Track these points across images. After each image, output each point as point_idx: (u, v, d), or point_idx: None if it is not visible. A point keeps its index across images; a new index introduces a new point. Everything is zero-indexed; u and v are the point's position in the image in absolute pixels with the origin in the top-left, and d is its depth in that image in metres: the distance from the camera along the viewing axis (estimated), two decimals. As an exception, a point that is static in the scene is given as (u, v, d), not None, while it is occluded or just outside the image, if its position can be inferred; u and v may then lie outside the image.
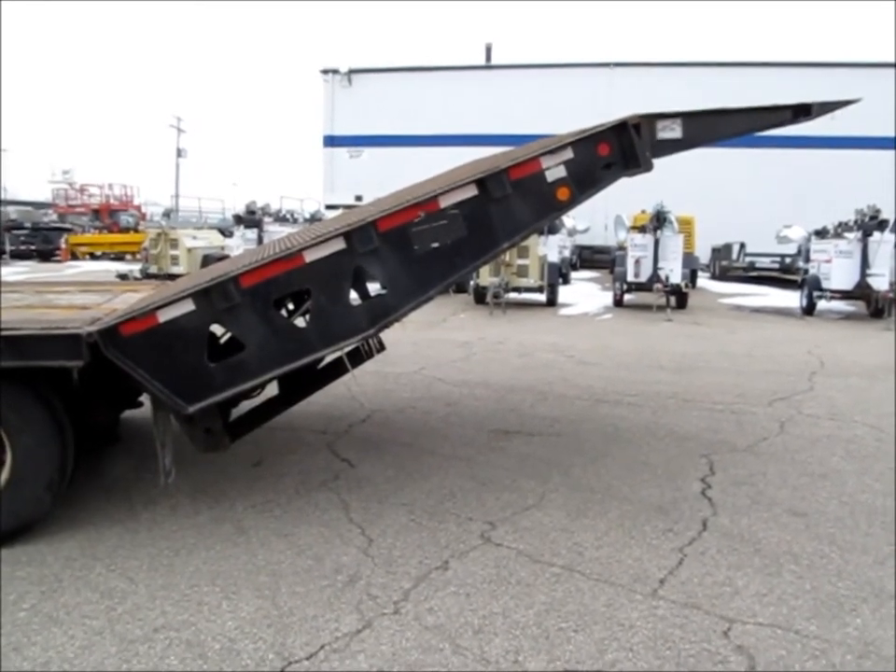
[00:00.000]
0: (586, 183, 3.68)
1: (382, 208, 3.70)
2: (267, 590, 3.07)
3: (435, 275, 3.59)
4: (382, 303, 3.63)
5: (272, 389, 4.16)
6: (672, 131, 3.68)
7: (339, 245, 3.49)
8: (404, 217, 3.53)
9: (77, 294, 5.02)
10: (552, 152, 3.63)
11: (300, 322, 3.86)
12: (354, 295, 3.91)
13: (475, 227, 3.58)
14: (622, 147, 3.65)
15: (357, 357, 4.60)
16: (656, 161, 3.70)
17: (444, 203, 3.55)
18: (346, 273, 3.55)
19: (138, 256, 21.75)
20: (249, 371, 3.48)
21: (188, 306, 3.37)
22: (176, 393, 3.37)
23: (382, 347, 5.04)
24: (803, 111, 3.70)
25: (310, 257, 3.47)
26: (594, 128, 3.72)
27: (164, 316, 3.36)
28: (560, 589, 3.10)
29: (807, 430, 5.61)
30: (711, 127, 3.88)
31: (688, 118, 3.70)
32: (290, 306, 4.72)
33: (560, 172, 3.63)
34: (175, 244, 17.66)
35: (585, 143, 3.66)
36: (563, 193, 3.65)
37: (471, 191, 3.57)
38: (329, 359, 4.17)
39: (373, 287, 4.19)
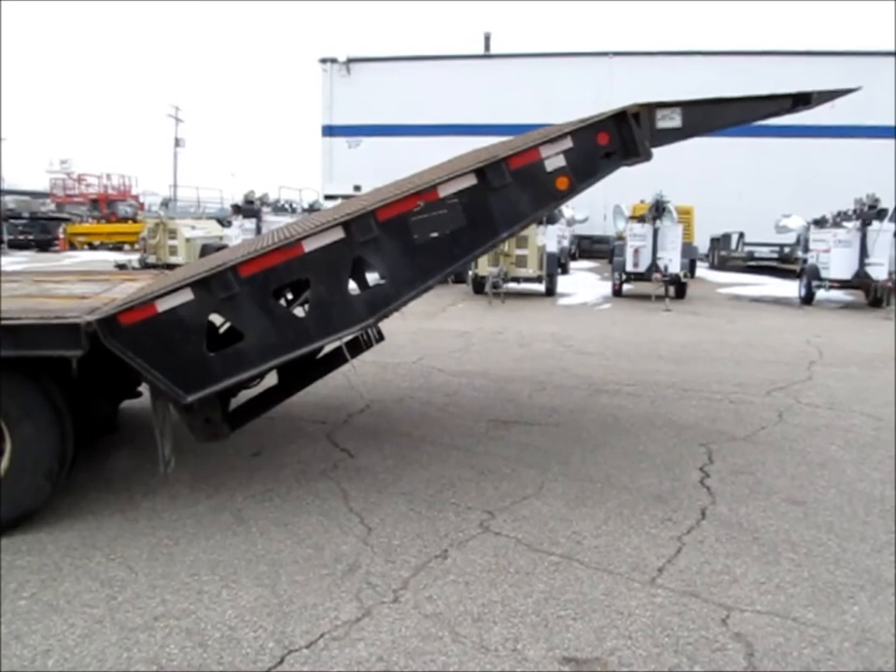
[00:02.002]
0: (585, 172, 3.66)
1: (381, 198, 3.68)
2: (267, 579, 3.08)
3: (434, 265, 3.58)
4: (381, 293, 3.62)
5: (271, 379, 4.15)
6: (671, 120, 3.66)
7: (338, 234, 3.47)
8: (403, 206, 3.51)
9: (76, 284, 5.01)
10: (551, 141, 3.60)
11: (298, 312, 3.85)
12: (352, 285, 3.90)
13: (474, 216, 3.56)
14: (621, 137, 3.63)
15: (356, 347, 4.60)
16: (656, 151, 3.69)
17: (443, 192, 3.53)
18: (345, 263, 3.53)
19: (136, 246, 21.72)
20: (248, 360, 3.47)
21: (186, 296, 3.36)
22: (175, 382, 3.37)
23: (381, 337, 5.03)
24: (802, 100, 3.68)
25: (309, 246, 3.46)
26: (593, 117, 3.70)
27: (163, 306, 3.35)
28: (559, 577, 3.11)
29: (806, 420, 5.62)
30: (710, 116, 3.85)
31: (687, 107, 3.68)
32: (289, 296, 4.71)
33: (559, 161, 3.61)
34: (173, 233, 17.63)
35: (585, 132, 3.63)
36: (562, 183, 3.63)
37: (470, 181, 3.55)
38: (327, 349, 4.17)
39: (371, 277, 4.18)
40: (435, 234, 3.53)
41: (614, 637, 2.67)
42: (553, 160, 3.61)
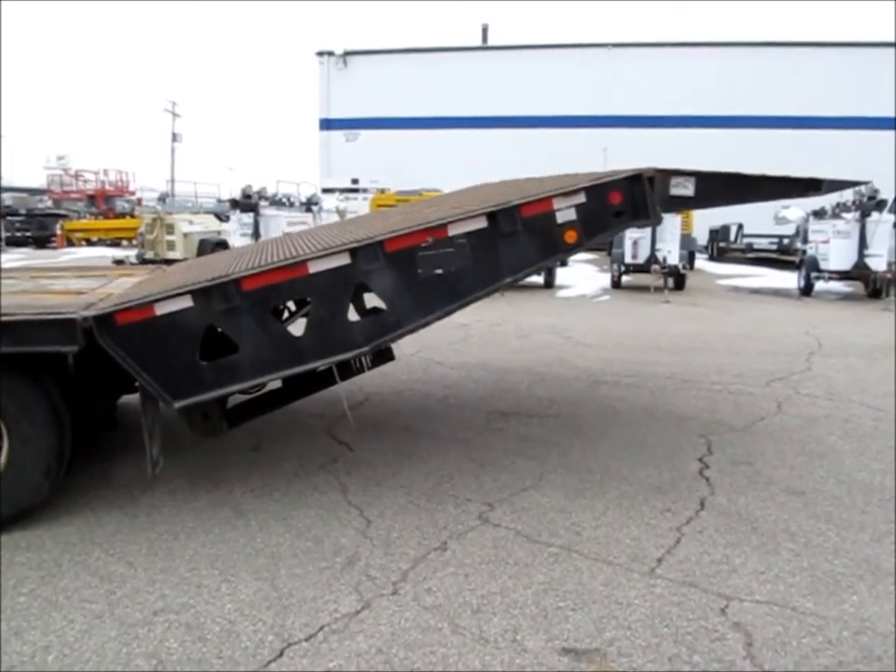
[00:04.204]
0: (595, 228, 3.71)
1: (390, 226, 3.70)
2: (266, 572, 3.08)
3: (436, 301, 3.59)
4: (379, 322, 3.63)
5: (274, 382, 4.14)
6: (685, 188, 3.72)
7: (344, 259, 3.48)
8: (412, 240, 3.53)
9: (73, 279, 5.00)
10: (565, 195, 3.64)
11: (295, 326, 3.84)
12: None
13: (481, 258, 3.59)
14: (633, 198, 3.68)
15: (348, 371, 4.57)
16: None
17: (453, 231, 3.56)
18: (348, 288, 3.56)
19: (134, 241, 21.67)
20: (240, 373, 3.47)
21: (186, 302, 3.36)
22: (165, 387, 3.37)
23: (388, 358, 4.98)
24: (813, 186, 3.80)
25: (314, 268, 3.46)
26: (608, 175, 3.77)
27: (161, 310, 3.34)
28: (558, 569, 3.11)
29: (805, 410, 5.62)
30: (724, 190, 3.94)
31: (702, 178, 3.74)
32: (292, 306, 4.69)
33: (570, 214, 3.64)
34: (171, 229, 17.57)
35: (598, 189, 3.68)
36: (570, 236, 3.66)
37: (481, 223, 3.58)
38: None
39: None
40: (440, 271, 3.55)
41: (613, 628, 2.68)
42: (565, 212, 3.64)
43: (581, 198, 3.64)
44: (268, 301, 3.50)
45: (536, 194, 3.67)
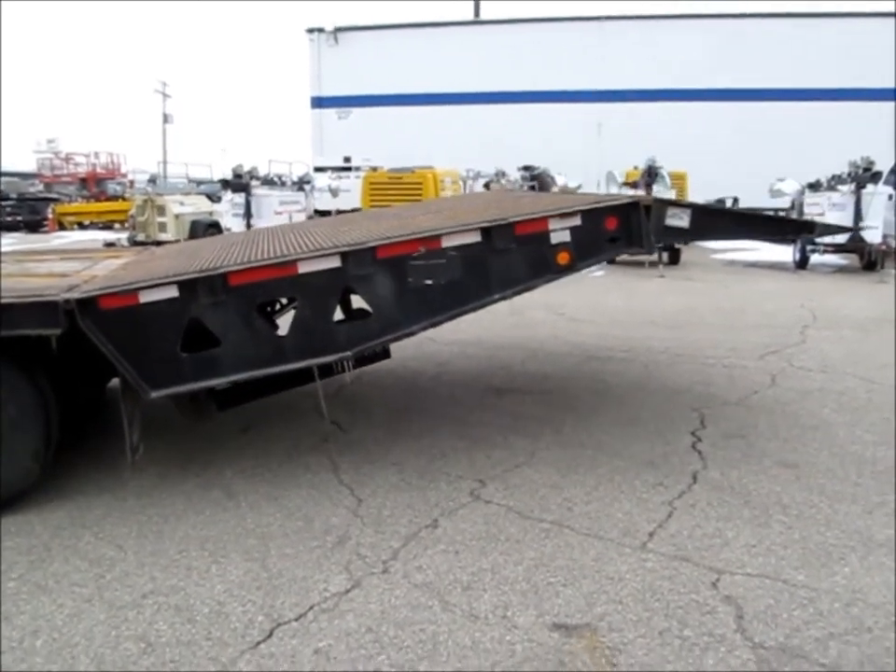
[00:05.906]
0: (588, 252, 3.70)
1: (383, 232, 3.68)
2: (256, 553, 3.07)
3: (423, 311, 3.57)
4: (364, 328, 3.60)
5: None
6: (680, 220, 3.72)
7: (334, 262, 3.46)
8: (404, 248, 3.51)
9: (58, 262, 4.94)
10: (561, 216, 3.62)
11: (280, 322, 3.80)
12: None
13: (471, 272, 3.57)
14: (629, 225, 3.67)
15: (329, 370, 4.52)
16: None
17: (446, 243, 3.54)
18: (335, 291, 3.53)
19: (126, 224, 21.48)
20: (220, 368, 3.44)
21: (171, 292, 3.32)
22: (142, 376, 3.33)
23: (383, 356, 4.92)
24: (806, 228, 3.94)
25: (304, 268, 3.43)
26: (606, 199, 3.77)
27: (145, 298, 3.31)
28: (549, 544, 3.10)
29: (799, 383, 5.61)
30: (718, 225, 3.96)
31: (698, 211, 3.74)
32: (284, 301, 4.63)
33: (565, 236, 3.63)
34: (162, 210, 17.42)
35: (595, 213, 3.66)
36: (563, 258, 3.66)
37: (475, 237, 3.56)
38: None
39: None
40: (429, 282, 3.52)
41: (604, 603, 2.67)
42: (560, 233, 3.63)
43: (577, 221, 3.64)
44: (254, 298, 3.47)
45: (532, 212, 3.67)
